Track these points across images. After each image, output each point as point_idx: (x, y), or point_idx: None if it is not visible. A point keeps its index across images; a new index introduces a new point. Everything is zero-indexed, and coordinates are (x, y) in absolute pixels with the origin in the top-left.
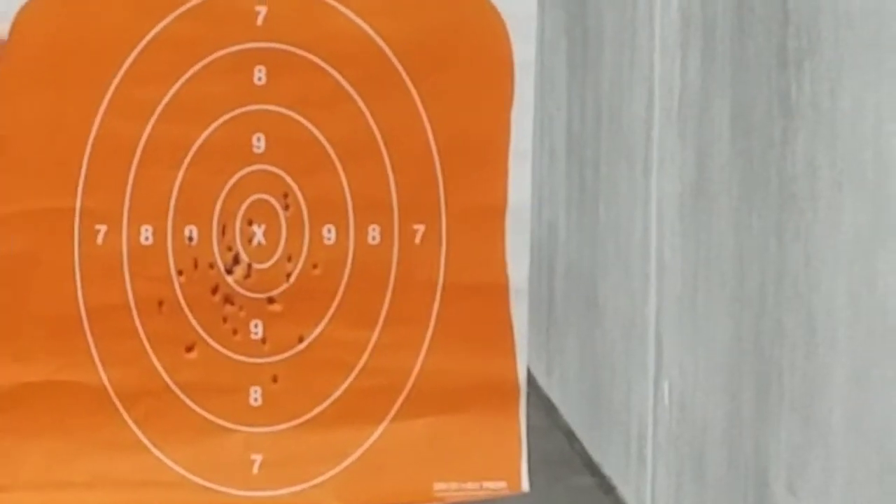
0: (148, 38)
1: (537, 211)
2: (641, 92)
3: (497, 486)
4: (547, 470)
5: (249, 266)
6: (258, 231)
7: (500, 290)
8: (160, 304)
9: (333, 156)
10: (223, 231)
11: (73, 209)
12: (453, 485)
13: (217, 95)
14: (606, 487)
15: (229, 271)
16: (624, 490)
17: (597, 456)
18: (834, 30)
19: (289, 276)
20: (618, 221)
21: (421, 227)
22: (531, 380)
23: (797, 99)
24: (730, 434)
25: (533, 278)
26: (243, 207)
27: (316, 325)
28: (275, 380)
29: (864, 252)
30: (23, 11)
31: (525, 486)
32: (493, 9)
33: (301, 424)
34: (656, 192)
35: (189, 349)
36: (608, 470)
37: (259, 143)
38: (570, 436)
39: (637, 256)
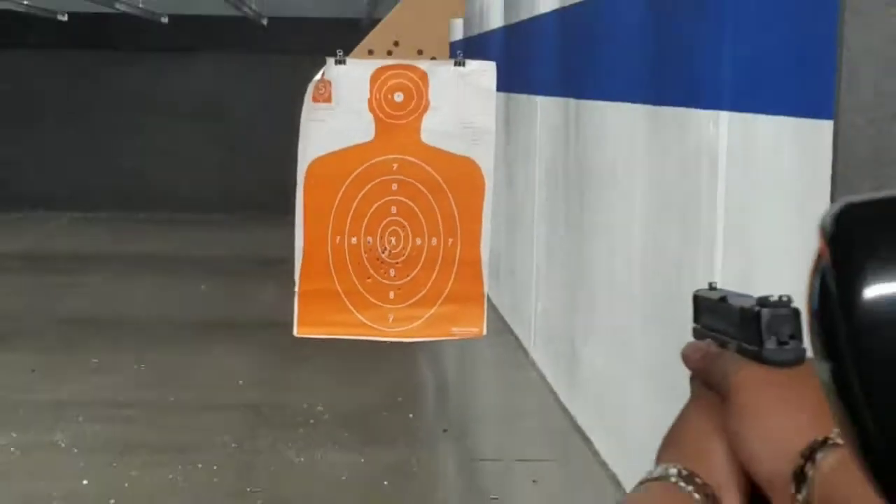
0: (354, 174)
1: None
2: None
3: (472, 331)
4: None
5: (390, 252)
6: (392, 239)
7: (477, 262)
8: (359, 264)
9: (428, 214)
10: (380, 238)
11: (327, 227)
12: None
13: (372, 192)
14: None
15: (383, 252)
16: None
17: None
18: None
19: (404, 255)
20: None
21: (451, 240)
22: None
23: None
24: None
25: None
26: (382, 225)
27: (413, 271)
28: (399, 289)
29: None
30: (311, 165)
31: (484, 332)
32: (476, 165)
33: (409, 304)
34: None
35: (368, 278)
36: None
37: (393, 210)
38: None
39: None
